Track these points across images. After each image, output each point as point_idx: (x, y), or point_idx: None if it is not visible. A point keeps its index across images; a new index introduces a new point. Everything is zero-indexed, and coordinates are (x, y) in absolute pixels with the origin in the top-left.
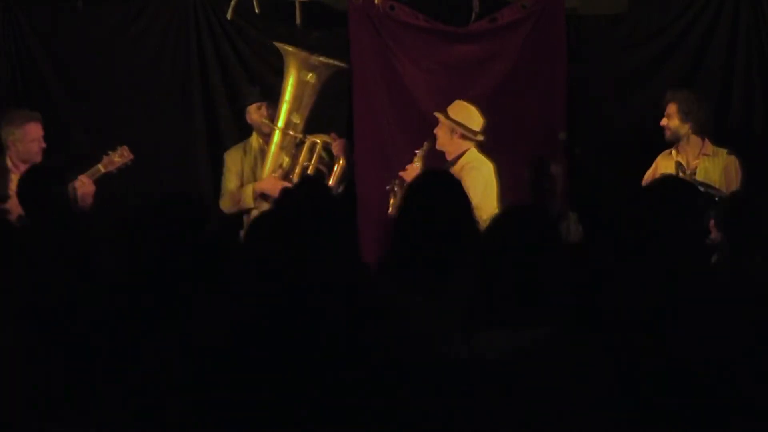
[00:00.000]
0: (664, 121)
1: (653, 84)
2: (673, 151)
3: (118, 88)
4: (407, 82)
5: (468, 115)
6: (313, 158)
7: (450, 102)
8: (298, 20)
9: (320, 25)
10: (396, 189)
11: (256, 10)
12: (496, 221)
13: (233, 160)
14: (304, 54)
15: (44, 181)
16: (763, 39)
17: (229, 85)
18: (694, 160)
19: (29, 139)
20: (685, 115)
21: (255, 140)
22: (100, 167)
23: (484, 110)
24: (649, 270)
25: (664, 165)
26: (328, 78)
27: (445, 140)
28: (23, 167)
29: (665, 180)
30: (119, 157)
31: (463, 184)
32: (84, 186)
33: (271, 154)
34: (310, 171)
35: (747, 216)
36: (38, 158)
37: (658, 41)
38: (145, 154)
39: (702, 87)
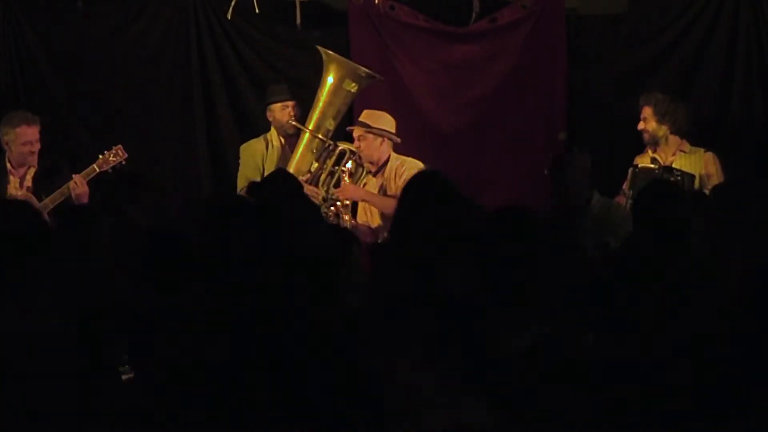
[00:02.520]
0: (641, 125)
1: (653, 84)
2: (649, 150)
3: (118, 87)
4: (407, 82)
5: (385, 120)
6: (341, 165)
7: (449, 102)
8: (298, 20)
9: (320, 25)
10: (342, 209)
11: (256, 10)
12: (492, 221)
13: (251, 154)
14: (351, 65)
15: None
16: (763, 39)
17: (229, 85)
18: (671, 156)
19: (20, 141)
20: (661, 117)
21: (275, 138)
22: (95, 167)
23: (484, 110)
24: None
25: (639, 162)
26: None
27: (373, 150)
28: (21, 170)
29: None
30: (114, 157)
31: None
32: (78, 187)
33: (298, 155)
34: (335, 178)
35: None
36: (32, 162)
37: (658, 41)
38: (146, 154)
39: (702, 87)
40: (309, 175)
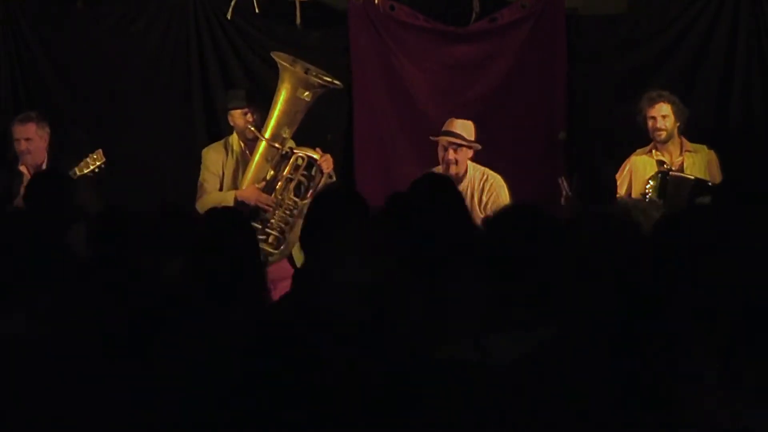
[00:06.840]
0: (660, 123)
1: (653, 84)
2: (653, 151)
3: (118, 88)
4: (407, 82)
5: (472, 130)
6: (297, 173)
7: (449, 102)
8: (298, 20)
9: (320, 25)
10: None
11: (256, 10)
12: (501, 219)
13: (212, 160)
14: (302, 74)
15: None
16: (762, 39)
17: (229, 85)
18: (678, 157)
19: (12, 139)
20: (679, 115)
21: (236, 143)
22: (76, 170)
23: (484, 110)
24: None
25: (642, 163)
26: (321, 95)
27: (465, 163)
28: (24, 168)
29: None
30: (92, 161)
31: None
32: None
33: (255, 163)
34: (292, 185)
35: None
36: (27, 161)
37: (657, 41)
38: (146, 154)
39: (702, 87)
40: (264, 182)
